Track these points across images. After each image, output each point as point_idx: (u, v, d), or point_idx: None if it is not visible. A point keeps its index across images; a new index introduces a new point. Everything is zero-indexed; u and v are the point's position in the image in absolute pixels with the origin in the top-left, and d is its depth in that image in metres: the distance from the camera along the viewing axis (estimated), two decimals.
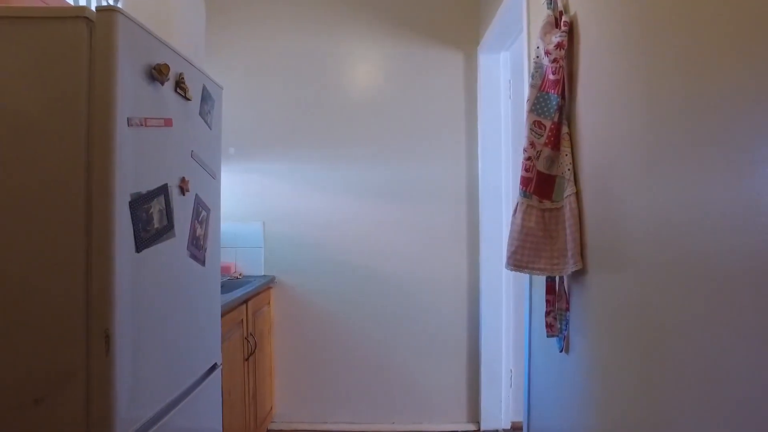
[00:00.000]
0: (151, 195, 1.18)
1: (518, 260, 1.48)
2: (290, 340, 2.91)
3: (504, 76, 2.83)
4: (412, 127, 2.89)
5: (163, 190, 1.24)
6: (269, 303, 2.84)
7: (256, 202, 2.92)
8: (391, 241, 2.89)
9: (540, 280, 1.71)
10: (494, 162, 2.85)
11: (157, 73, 1.15)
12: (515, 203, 1.52)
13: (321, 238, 2.90)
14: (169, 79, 1.23)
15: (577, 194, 1.42)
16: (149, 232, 1.16)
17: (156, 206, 1.19)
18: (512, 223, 1.51)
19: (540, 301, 1.78)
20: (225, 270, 2.81)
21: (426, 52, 2.89)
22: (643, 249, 1.10)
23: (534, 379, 1.88)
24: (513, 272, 2.86)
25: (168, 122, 1.26)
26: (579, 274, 1.41)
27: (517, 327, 2.80)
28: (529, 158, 1.49)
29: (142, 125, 1.12)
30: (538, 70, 1.51)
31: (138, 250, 1.11)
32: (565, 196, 1.43)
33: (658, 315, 1.03)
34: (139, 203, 1.12)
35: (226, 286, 2.64)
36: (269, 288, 2.86)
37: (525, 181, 1.49)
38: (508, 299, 2.81)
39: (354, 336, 2.89)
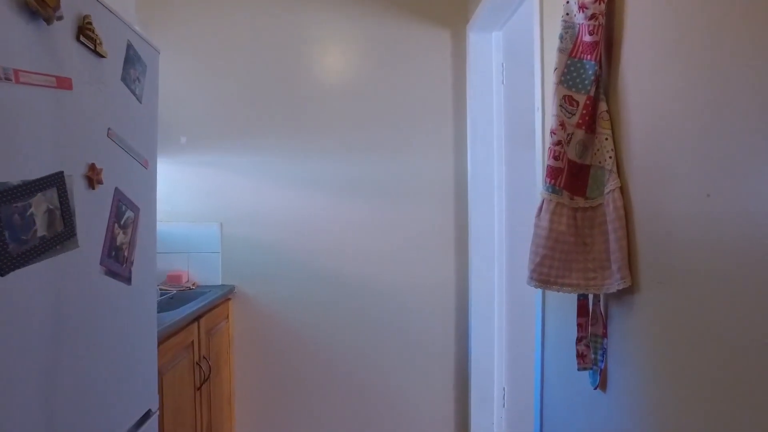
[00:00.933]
0: (31, 188, 0.79)
1: (545, 274, 1.15)
2: (253, 359, 2.51)
3: (496, 59, 2.51)
4: (392, 115, 2.54)
5: (56, 180, 0.85)
6: (228, 317, 2.44)
7: (212, 200, 2.52)
8: (370, 244, 2.53)
9: (559, 297, 1.39)
10: (485, 155, 2.53)
11: (37, 4, 0.76)
12: (540, 201, 1.19)
13: (288, 241, 2.52)
14: (61, 17, 0.84)
15: (623, 189, 1.10)
16: (26, 244, 0.77)
17: (40, 205, 0.80)
18: (536, 226, 1.18)
19: (558, 322, 1.46)
20: (175, 280, 2.40)
21: (408, 29, 2.54)
22: (722, 260, 0.79)
23: (550, 421, 1.56)
24: (506, 280, 2.57)
25: (64, 82, 0.87)
26: (625, 292, 1.09)
27: (511, 340, 2.49)
28: (558, 143, 1.16)
29: (8, 80, 0.73)
30: (568, 31, 1.18)
31: (1, 272, 0.72)
32: (606, 191, 1.11)
33: (744, 347, 0.72)
34: (1, 200, 0.73)
35: (177, 300, 2.23)
36: (228, 300, 2.46)
37: (553, 173, 1.16)
38: (500, 308, 2.50)
39: (327, 352, 2.53)
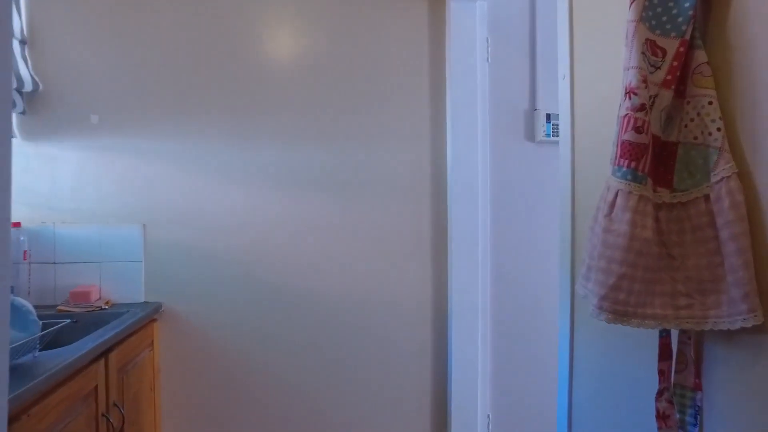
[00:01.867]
0: None
1: (622, 303, 0.78)
2: (184, 396, 2.02)
3: (480, 33, 2.15)
4: (358, 96, 2.12)
5: None
6: (152, 344, 1.94)
7: (133, 196, 2.00)
8: (330, 251, 2.10)
9: (602, 324, 1.03)
10: (468, 145, 2.17)
11: None
12: (612, 193, 0.81)
13: (231, 248, 2.04)
14: None
15: (742, 176, 0.74)
16: None
17: None
18: (606, 230, 0.81)
19: (600, 358, 1.10)
20: (80, 298, 1.87)
21: None
22: None
23: None
24: (491, 290, 2.20)
25: None
26: (742, 329, 0.73)
27: (498, 360, 2.14)
28: (641, 107, 0.79)
29: None
30: None
31: None
32: (713, 179, 0.76)
33: None
34: None
35: (82, 326, 1.71)
36: (152, 321, 1.95)
37: (634, 151, 0.79)
38: (485, 323, 2.14)
39: (280, 382, 2.07)
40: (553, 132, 2.20)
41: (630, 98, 0.79)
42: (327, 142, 2.09)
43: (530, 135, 2.24)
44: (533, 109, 2.24)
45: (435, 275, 2.18)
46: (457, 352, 2.11)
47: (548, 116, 2.19)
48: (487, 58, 2.14)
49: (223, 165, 2.03)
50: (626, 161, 0.79)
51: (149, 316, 1.87)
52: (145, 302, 1.98)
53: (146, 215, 2.00)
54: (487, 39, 2.14)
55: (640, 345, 0.93)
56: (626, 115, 0.79)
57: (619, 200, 0.79)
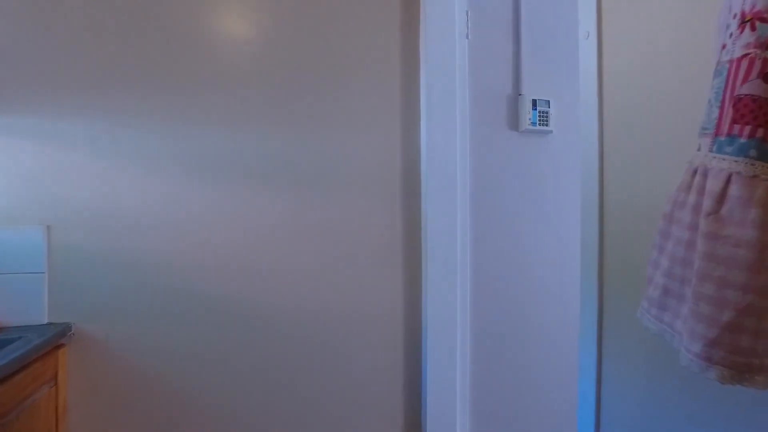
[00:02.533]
0: None
1: (748, 351, 0.49)
2: None
3: (460, 6, 1.87)
4: (315, 75, 1.79)
5: None
6: (55, 379, 1.54)
7: (31, 189, 1.59)
8: (281, 256, 1.76)
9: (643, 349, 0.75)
10: (445, 133, 1.88)
11: None
12: (721, 179, 0.53)
13: (158, 254, 1.66)
14: None
15: None
16: None
17: None
18: (713, 237, 0.52)
19: (635, 411, 0.83)
20: None
21: None
22: None
23: None
24: (471, 301, 1.91)
25: None
26: None
27: (478, 388, 1.86)
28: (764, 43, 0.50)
29: None
30: None
31: None
32: None
33: None
34: None
35: None
36: (57, 348, 1.55)
37: (760, 110, 0.51)
38: (464, 342, 1.86)
39: (221, 416, 1.71)
40: (539, 120, 1.95)
41: (754, 29, 0.50)
42: (277, 127, 1.75)
43: (514, 123, 1.98)
44: (517, 93, 1.98)
45: (407, 285, 1.88)
46: (434, 374, 1.81)
47: (534, 102, 1.94)
48: (467, 34, 1.86)
49: (148, 152, 1.65)
50: (747, 128, 0.50)
51: (51, 342, 1.47)
52: (49, 324, 1.58)
53: (50, 214, 1.60)
54: (467, 13, 1.86)
55: (713, 397, 0.66)
56: (746, 55, 0.51)
57: (734, 189, 0.51)
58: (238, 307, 1.72)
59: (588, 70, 0.94)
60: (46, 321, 1.59)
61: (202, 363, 1.69)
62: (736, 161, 0.52)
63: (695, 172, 0.57)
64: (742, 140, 0.52)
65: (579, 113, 1.88)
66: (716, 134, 0.55)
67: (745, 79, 0.52)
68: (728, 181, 0.52)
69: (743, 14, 0.52)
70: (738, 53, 0.52)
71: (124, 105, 1.64)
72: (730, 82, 0.53)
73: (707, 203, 0.54)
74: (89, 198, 1.62)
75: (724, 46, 0.54)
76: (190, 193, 1.68)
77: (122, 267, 1.64)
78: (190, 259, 1.68)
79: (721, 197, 0.52)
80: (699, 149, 0.56)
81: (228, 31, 1.72)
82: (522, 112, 1.96)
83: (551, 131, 2.08)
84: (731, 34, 0.52)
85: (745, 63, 0.51)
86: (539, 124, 1.95)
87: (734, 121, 0.53)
